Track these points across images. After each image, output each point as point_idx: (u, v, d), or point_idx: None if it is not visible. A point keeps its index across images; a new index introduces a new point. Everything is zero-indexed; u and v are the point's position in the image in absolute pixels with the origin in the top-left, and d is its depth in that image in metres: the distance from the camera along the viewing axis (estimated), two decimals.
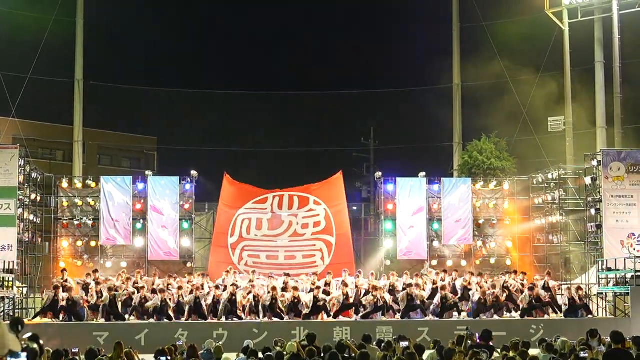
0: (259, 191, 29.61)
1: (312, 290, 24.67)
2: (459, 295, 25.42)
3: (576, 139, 37.32)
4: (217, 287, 24.81)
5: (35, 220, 28.13)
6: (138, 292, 24.26)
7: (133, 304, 24.11)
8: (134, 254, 28.94)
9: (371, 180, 39.47)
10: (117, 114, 45.18)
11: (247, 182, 30.28)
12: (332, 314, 24.21)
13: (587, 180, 28.11)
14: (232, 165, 33.68)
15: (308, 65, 46.87)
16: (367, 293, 24.58)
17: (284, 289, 24.96)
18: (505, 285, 25.35)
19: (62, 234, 28.84)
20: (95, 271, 26.32)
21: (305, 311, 24.20)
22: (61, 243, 28.82)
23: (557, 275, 28.68)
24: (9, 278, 24.57)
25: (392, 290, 25.17)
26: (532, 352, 14.07)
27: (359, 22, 48.62)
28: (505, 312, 24.93)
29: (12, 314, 24.65)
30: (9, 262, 24.98)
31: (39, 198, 28.40)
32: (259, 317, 24.01)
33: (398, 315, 24.44)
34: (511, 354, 13.61)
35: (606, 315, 25.60)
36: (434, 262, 29.26)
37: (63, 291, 23.83)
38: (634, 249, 26.27)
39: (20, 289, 25.96)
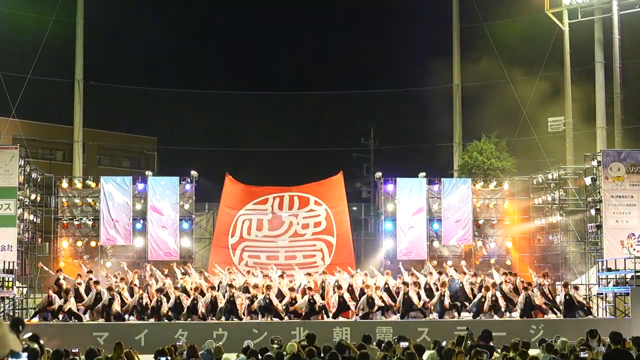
0: (260, 191, 29.62)
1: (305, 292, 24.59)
2: (458, 296, 25.41)
3: (576, 139, 37.29)
4: (213, 288, 24.78)
5: (35, 220, 28.11)
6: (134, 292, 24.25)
7: (133, 304, 24.08)
8: (134, 254, 28.91)
9: (371, 181, 39.42)
10: (117, 114, 45.19)
11: (247, 183, 30.31)
12: (330, 314, 24.21)
13: (587, 180, 28.08)
14: (232, 165, 33.68)
15: (308, 65, 46.89)
16: (362, 293, 24.59)
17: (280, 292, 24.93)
18: (501, 286, 25.28)
19: (62, 234, 28.81)
20: (90, 272, 25.99)
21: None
22: (61, 243, 28.80)
23: (557, 276, 28.69)
24: (8, 278, 24.57)
25: (387, 289, 25.14)
26: (532, 352, 14.07)
27: (359, 22, 48.65)
28: (505, 312, 24.91)
29: (12, 314, 24.66)
30: (9, 262, 24.96)
31: (39, 198, 28.37)
32: (257, 317, 23.97)
33: (398, 316, 24.44)
34: (511, 354, 13.61)
35: (606, 315, 25.57)
36: (434, 263, 29.22)
37: (57, 292, 23.84)
38: (634, 249, 26.22)
39: (20, 289, 25.96)
